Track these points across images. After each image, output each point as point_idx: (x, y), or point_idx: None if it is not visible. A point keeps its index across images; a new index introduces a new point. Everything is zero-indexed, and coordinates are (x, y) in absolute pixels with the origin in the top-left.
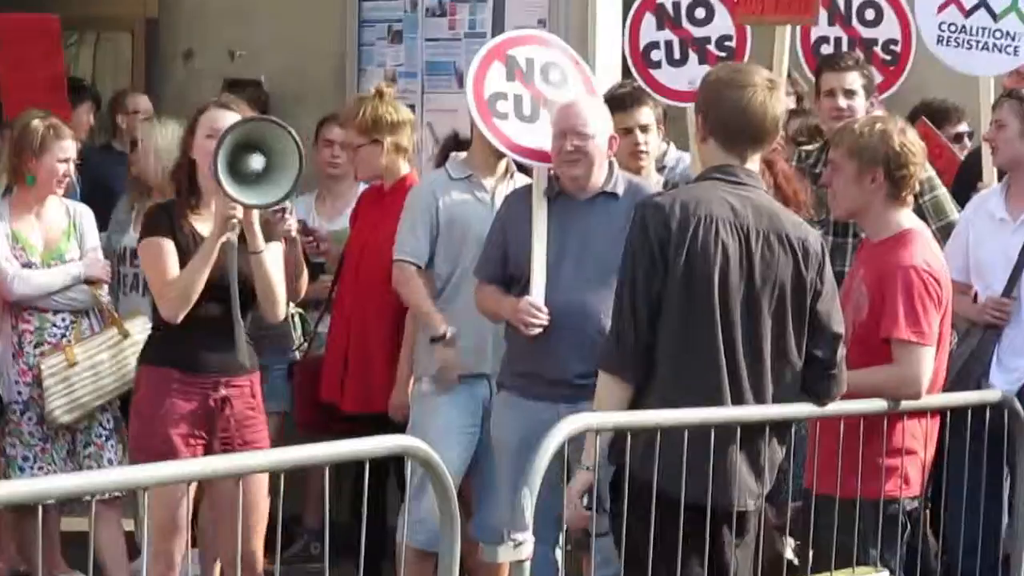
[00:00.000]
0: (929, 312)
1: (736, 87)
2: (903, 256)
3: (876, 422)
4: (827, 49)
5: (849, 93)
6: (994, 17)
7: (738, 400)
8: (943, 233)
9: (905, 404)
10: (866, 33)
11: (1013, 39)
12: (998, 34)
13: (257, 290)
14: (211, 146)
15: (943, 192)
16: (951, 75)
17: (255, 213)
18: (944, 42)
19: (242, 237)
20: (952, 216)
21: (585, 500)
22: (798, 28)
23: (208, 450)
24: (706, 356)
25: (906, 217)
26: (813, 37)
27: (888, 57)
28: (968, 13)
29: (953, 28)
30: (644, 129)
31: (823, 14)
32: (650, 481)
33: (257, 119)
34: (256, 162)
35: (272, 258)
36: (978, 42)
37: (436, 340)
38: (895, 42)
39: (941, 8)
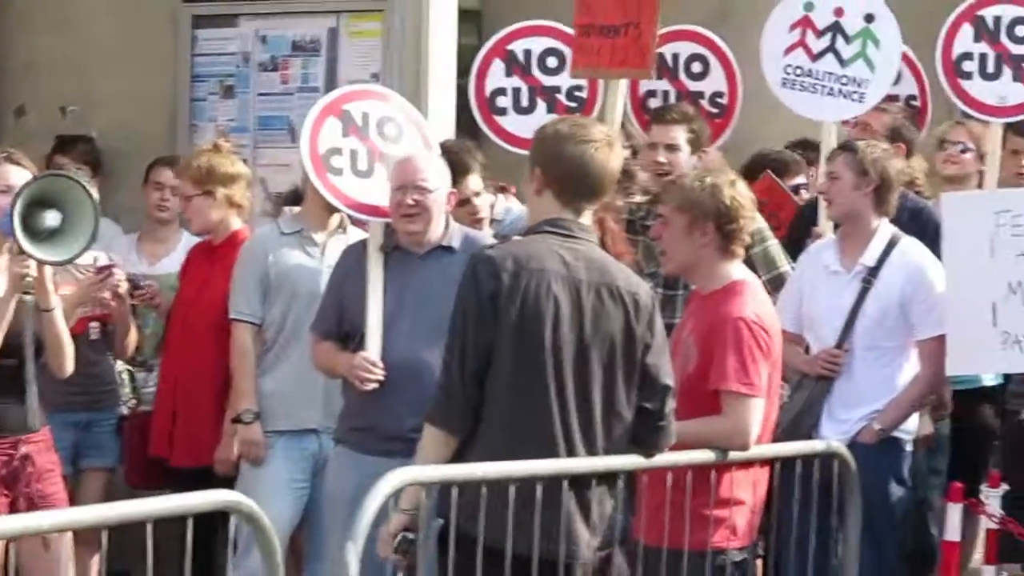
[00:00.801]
0: (759, 364)
1: (578, 142)
2: (732, 308)
3: (704, 473)
4: (655, 102)
5: (671, 147)
6: (842, 63)
7: (570, 452)
8: (774, 284)
9: (733, 455)
10: (693, 86)
11: (860, 85)
12: (845, 80)
13: (47, 347)
14: (3, 202)
15: (774, 243)
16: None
17: (48, 270)
18: (789, 85)
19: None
20: (783, 267)
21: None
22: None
23: (13, 508)
24: (537, 408)
25: (736, 269)
26: (642, 90)
27: (715, 110)
28: (816, 57)
29: (799, 71)
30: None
31: None
32: (475, 534)
33: (52, 175)
34: (51, 218)
35: (60, 315)
36: (824, 87)
37: (236, 421)
38: (721, 95)
39: (788, 51)
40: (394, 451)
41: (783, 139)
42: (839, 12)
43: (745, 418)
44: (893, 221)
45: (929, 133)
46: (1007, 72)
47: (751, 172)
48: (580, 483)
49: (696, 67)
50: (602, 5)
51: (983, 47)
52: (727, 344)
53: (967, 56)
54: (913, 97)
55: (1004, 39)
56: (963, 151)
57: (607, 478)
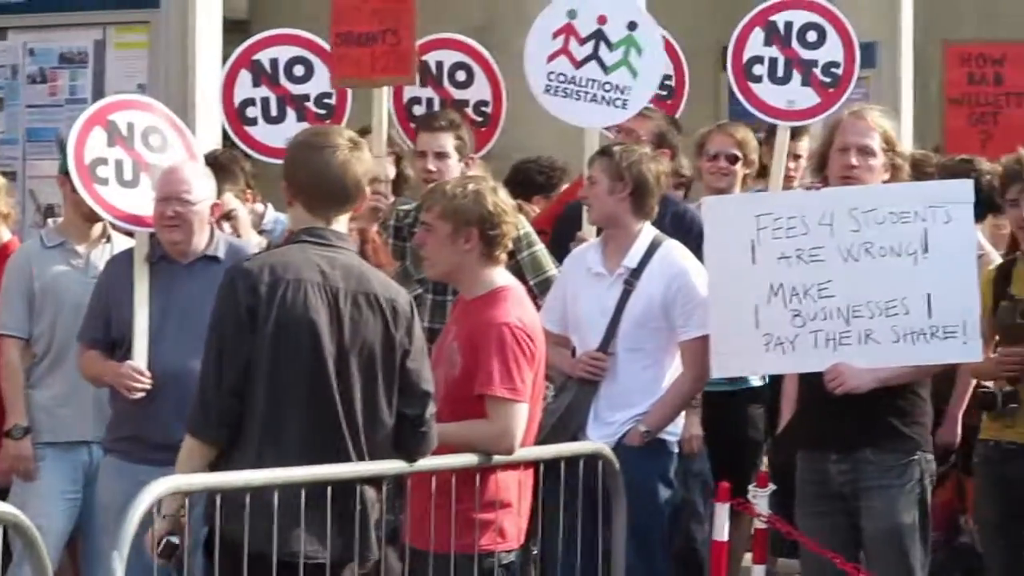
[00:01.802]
0: (522, 368)
1: (317, 149)
2: (496, 313)
3: (469, 476)
4: (420, 110)
5: (439, 155)
6: (605, 70)
7: (334, 458)
8: (541, 288)
9: (497, 458)
10: (458, 94)
11: (622, 92)
12: (608, 86)
13: None
14: None
15: (541, 248)
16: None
17: None
18: (552, 91)
19: None
20: (550, 271)
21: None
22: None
23: None
24: (300, 416)
25: (499, 275)
26: (406, 98)
27: (480, 118)
28: (579, 64)
29: (562, 78)
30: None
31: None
32: (240, 541)
33: None
34: None
35: None
36: (587, 93)
37: (7, 435)
38: (486, 103)
39: (551, 58)
40: (162, 460)
41: (552, 146)
42: (602, 19)
43: (510, 422)
44: (656, 224)
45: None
46: (796, 77)
47: (515, 180)
48: (345, 488)
49: (460, 75)
50: (357, 14)
51: (773, 51)
52: (491, 349)
53: (757, 60)
54: (668, 76)
55: (795, 44)
56: (729, 159)
57: (373, 483)
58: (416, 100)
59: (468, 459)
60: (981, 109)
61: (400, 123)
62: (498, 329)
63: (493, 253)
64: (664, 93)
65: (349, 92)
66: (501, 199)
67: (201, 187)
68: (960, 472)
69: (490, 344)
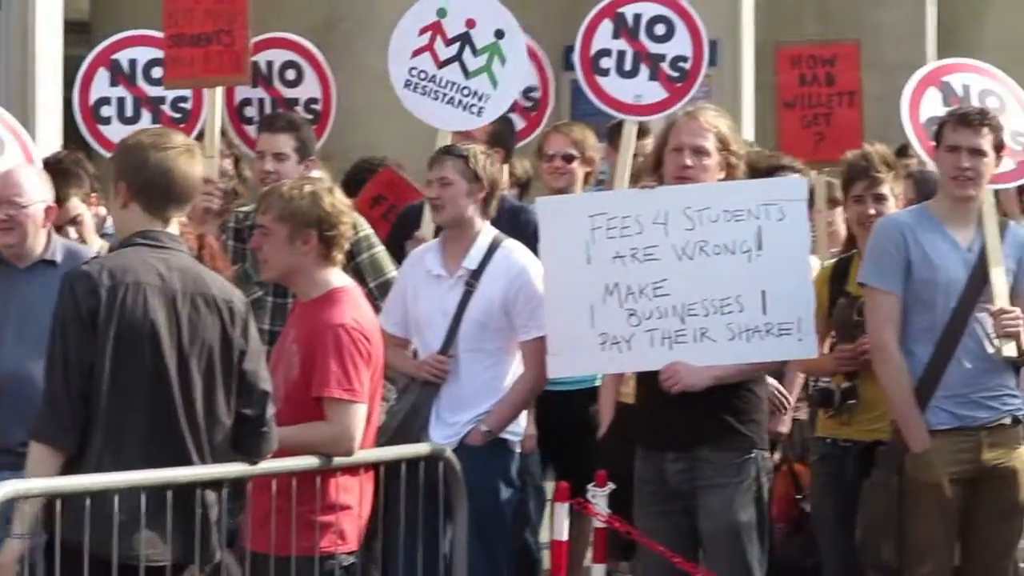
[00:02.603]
0: (360, 370)
1: (157, 150)
2: (333, 315)
3: (309, 479)
4: (251, 111)
5: (278, 156)
6: (466, 74)
7: (177, 461)
8: (382, 290)
9: (338, 460)
10: (288, 93)
11: (480, 99)
12: (467, 91)
13: None
14: None
15: (381, 250)
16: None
17: None
18: (412, 87)
19: None
20: (390, 273)
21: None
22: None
23: None
24: (142, 419)
25: (335, 276)
26: (238, 99)
27: (310, 116)
28: (442, 64)
29: (423, 75)
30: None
31: None
32: (80, 544)
33: None
34: None
35: None
36: (445, 95)
37: None
38: (316, 101)
39: (416, 53)
40: (2, 465)
41: (394, 147)
42: (471, 23)
43: (348, 423)
44: (493, 223)
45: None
46: (644, 71)
47: (353, 180)
48: (185, 491)
49: (290, 74)
50: (190, 15)
51: (622, 44)
52: (328, 351)
53: (605, 53)
54: (532, 89)
55: (643, 37)
56: (566, 159)
57: (213, 485)
58: (247, 101)
59: (308, 461)
60: (814, 111)
61: (232, 124)
62: (334, 331)
63: (330, 254)
64: (529, 104)
65: (206, 96)
66: (338, 200)
67: (34, 190)
68: (795, 462)
69: (327, 346)
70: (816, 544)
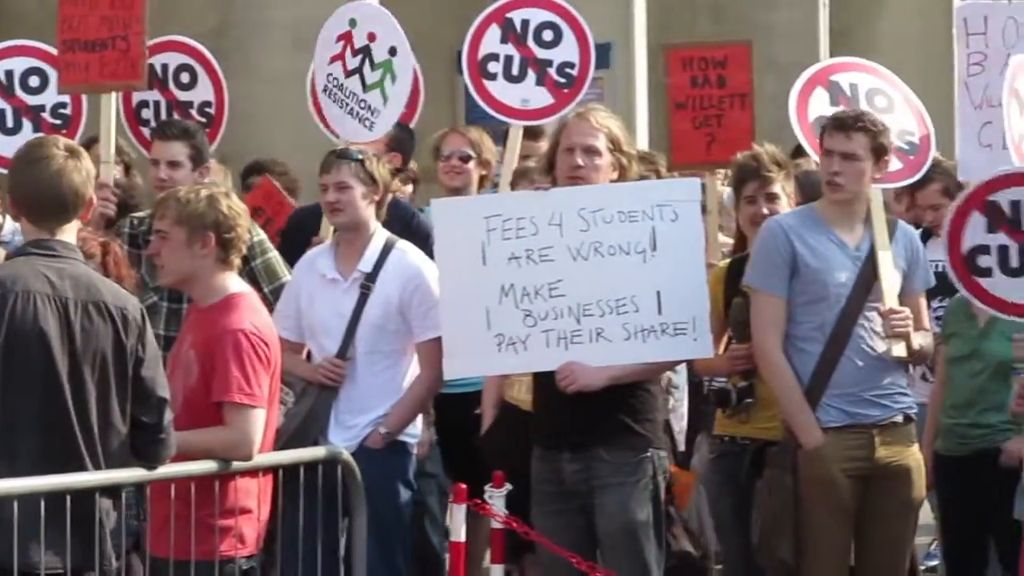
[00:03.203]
0: (259, 374)
1: (33, 161)
2: (231, 320)
3: (207, 483)
4: (148, 113)
5: (172, 164)
6: (364, 87)
7: (74, 467)
8: (276, 295)
9: (237, 464)
10: (182, 96)
11: (372, 114)
12: (363, 104)
13: None
14: None
15: (275, 255)
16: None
17: None
18: (328, 93)
19: None
20: (284, 278)
21: None
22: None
23: None
24: (34, 427)
25: (232, 281)
26: (134, 102)
27: (203, 119)
28: (348, 74)
29: (335, 82)
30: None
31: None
32: None
33: None
34: None
35: None
36: (347, 104)
37: None
38: (209, 104)
39: (332, 60)
40: None
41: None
42: (372, 37)
43: (248, 428)
44: (385, 226)
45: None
46: (531, 75)
47: (244, 181)
48: (83, 498)
49: (185, 77)
50: (85, 20)
51: (509, 49)
52: (228, 356)
53: (493, 57)
54: None
55: (531, 42)
56: (463, 159)
57: (110, 492)
58: (144, 104)
59: (207, 466)
60: (705, 112)
61: (131, 129)
62: (233, 336)
63: (228, 258)
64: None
65: (84, 101)
66: (234, 203)
67: None
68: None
69: (226, 351)
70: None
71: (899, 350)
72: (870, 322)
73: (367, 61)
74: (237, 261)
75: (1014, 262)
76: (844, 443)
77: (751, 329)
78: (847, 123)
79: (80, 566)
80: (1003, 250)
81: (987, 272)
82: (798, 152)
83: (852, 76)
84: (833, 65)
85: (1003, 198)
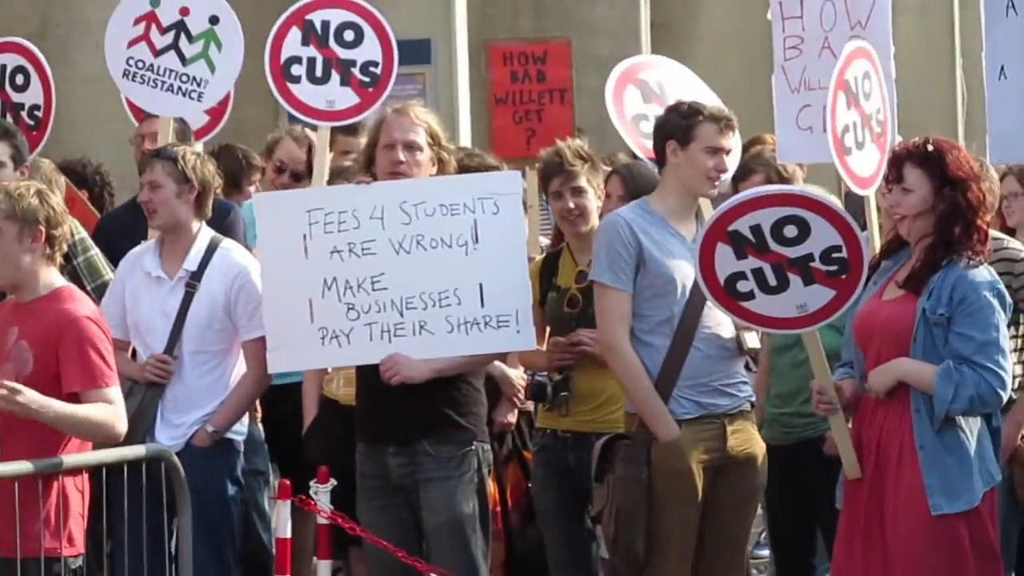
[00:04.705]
0: (110, 357)
1: None
2: (71, 309)
3: (31, 483)
4: None
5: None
6: (184, 61)
7: None
8: (99, 293)
9: (55, 462)
10: (16, 97)
11: (199, 85)
12: (185, 78)
13: None
14: None
15: (96, 253)
16: None
17: None
18: (130, 77)
19: None
20: (106, 275)
21: None
22: None
23: None
24: None
25: (56, 276)
26: None
27: (32, 122)
28: (158, 53)
29: (140, 64)
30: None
31: None
32: None
33: None
34: None
35: None
36: (164, 83)
37: None
38: (39, 107)
39: (132, 43)
40: None
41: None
42: (185, 11)
43: (119, 407)
44: (209, 223)
45: None
46: (335, 77)
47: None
48: None
49: (19, 79)
50: None
51: (311, 51)
52: (78, 345)
53: (295, 60)
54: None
55: (332, 43)
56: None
57: None
58: None
59: (27, 466)
60: (525, 107)
61: None
62: (77, 324)
63: (54, 254)
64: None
65: None
66: (58, 200)
67: None
68: (523, 450)
69: (74, 340)
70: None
71: (752, 341)
72: (713, 313)
73: (183, 35)
74: (59, 259)
75: (772, 281)
76: (699, 434)
77: (597, 324)
78: (732, 123)
79: None
80: (758, 272)
81: (750, 295)
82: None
83: (658, 73)
84: (640, 63)
85: (742, 226)
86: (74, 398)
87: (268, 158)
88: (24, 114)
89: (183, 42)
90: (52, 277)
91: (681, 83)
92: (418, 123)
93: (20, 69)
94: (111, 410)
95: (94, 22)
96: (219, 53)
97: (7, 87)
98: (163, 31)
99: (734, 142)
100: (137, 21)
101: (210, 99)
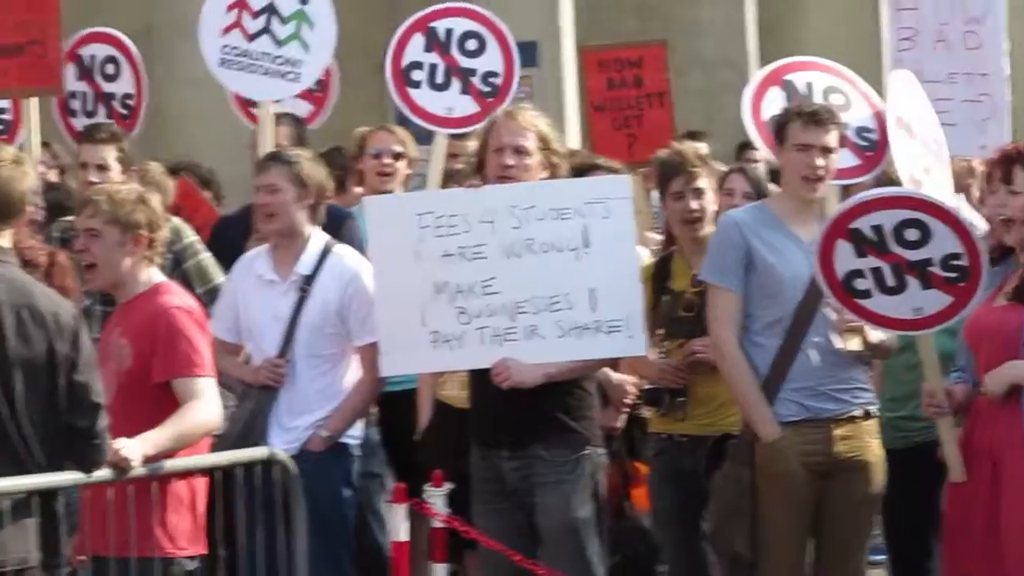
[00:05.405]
0: (204, 346)
1: None
2: (165, 301)
3: (145, 486)
4: (76, 104)
5: (101, 167)
6: (277, 43)
7: (7, 471)
8: (210, 298)
9: (174, 465)
10: (107, 87)
11: (295, 66)
12: (280, 60)
13: None
14: None
15: (207, 256)
16: None
17: None
18: (227, 65)
19: None
20: (217, 279)
21: None
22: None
23: None
24: None
25: (156, 274)
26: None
27: (125, 111)
28: (252, 38)
29: (236, 51)
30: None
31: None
32: None
33: None
34: None
35: None
36: (260, 67)
37: None
38: (131, 96)
39: (225, 31)
40: None
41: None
42: None
43: (211, 397)
44: (325, 228)
45: None
46: (455, 84)
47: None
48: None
49: (109, 69)
50: (1, 26)
51: (433, 57)
52: (169, 334)
53: (417, 65)
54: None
55: (455, 51)
56: (394, 156)
57: (48, 494)
58: (73, 94)
59: (143, 469)
60: (624, 113)
61: (61, 119)
62: (169, 314)
63: (154, 256)
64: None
65: (22, 107)
66: (157, 203)
67: None
68: (626, 457)
69: (166, 329)
70: (632, 536)
71: (853, 344)
72: (827, 317)
73: (274, 18)
74: (158, 260)
75: (890, 282)
76: (801, 437)
77: (707, 324)
78: (824, 117)
79: (18, 568)
80: (877, 272)
81: (867, 294)
82: (744, 147)
83: (808, 75)
84: (788, 65)
85: (864, 224)
86: (163, 388)
87: (359, 155)
88: (116, 103)
89: (275, 24)
90: (151, 275)
91: (835, 86)
92: (527, 127)
93: (110, 59)
94: (200, 407)
95: (196, 25)
96: (311, 32)
97: (98, 77)
98: (255, 15)
99: (830, 139)
100: (229, 8)
101: (307, 79)
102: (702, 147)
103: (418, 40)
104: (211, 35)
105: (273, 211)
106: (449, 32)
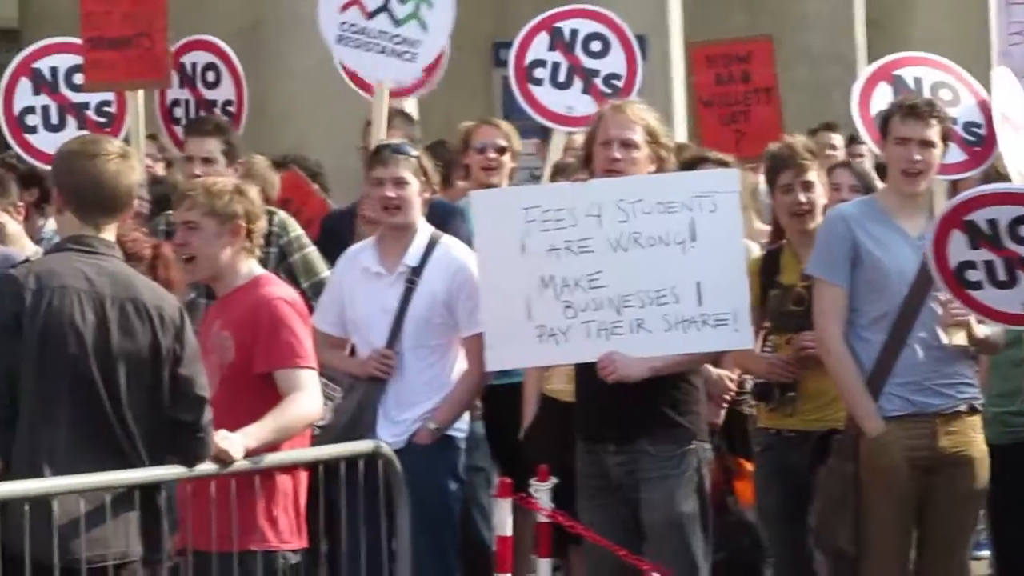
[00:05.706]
0: (306, 338)
1: (87, 157)
2: (267, 293)
3: (247, 480)
4: (179, 111)
5: (207, 160)
6: (396, 22)
7: (110, 464)
8: (315, 291)
9: (275, 459)
10: (208, 95)
11: (412, 45)
12: (398, 39)
13: None
14: None
15: (312, 250)
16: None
17: None
18: (345, 42)
19: None
20: (323, 273)
21: None
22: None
23: None
24: (69, 423)
25: (256, 266)
26: (168, 100)
27: (225, 117)
28: (370, 15)
29: (354, 28)
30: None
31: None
32: (20, 551)
33: None
34: None
35: None
36: (377, 45)
37: None
38: (231, 103)
39: (344, 7)
40: None
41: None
42: None
43: (313, 388)
44: (431, 220)
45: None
46: (577, 84)
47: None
48: (125, 494)
49: (210, 76)
50: (108, 18)
51: (557, 56)
52: (272, 325)
53: (540, 63)
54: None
55: (579, 51)
56: (499, 151)
57: (151, 487)
58: (176, 103)
59: (245, 463)
60: (732, 109)
61: (165, 128)
62: (271, 306)
63: (253, 248)
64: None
65: (128, 100)
66: (255, 195)
67: None
68: (727, 452)
69: (268, 321)
70: (736, 530)
71: (959, 339)
72: (933, 312)
73: None
74: (258, 253)
75: (1001, 275)
76: (906, 432)
77: (813, 317)
78: (924, 111)
79: (121, 560)
80: (989, 264)
81: (978, 285)
82: (851, 141)
83: (916, 70)
84: (896, 60)
85: (979, 217)
86: (265, 379)
87: (464, 150)
88: (218, 110)
89: (393, 3)
90: (251, 266)
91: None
92: (635, 120)
93: (211, 66)
94: (302, 399)
95: (304, 17)
96: (430, 11)
97: (199, 85)
98: None
99: (930, 133)
100: None
101: (424, 58)
102: (837, 138)
103: (543, 38)
104: (330, 11)
105: (400, 204)
106: (575, 32)
